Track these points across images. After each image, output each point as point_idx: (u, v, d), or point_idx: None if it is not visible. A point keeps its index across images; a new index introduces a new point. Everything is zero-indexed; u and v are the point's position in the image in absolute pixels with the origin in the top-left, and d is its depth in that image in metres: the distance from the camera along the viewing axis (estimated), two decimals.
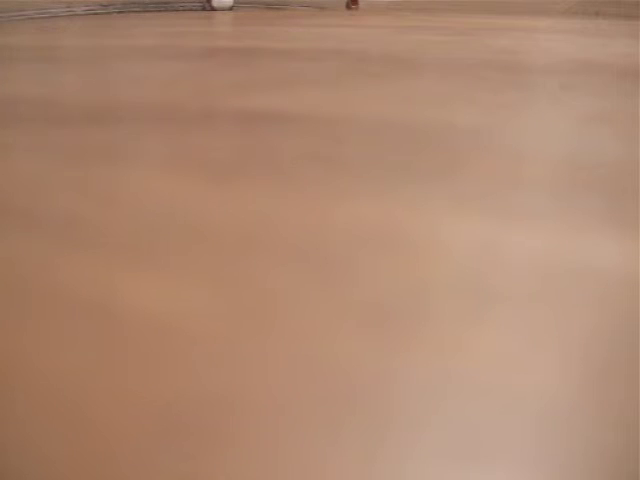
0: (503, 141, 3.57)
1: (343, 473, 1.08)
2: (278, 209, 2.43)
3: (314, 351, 1.44)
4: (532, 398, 1.29)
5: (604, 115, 4.24)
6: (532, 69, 6.69)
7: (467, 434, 1.17)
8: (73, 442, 1.14)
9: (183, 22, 17.75)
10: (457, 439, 1.16)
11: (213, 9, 27.77)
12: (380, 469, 1.09)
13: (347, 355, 1.42)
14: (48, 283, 1.79)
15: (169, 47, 9.38)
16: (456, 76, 6.16)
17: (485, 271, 1.88)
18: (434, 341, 1.49)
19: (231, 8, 26.08)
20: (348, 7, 17.28)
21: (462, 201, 2.54)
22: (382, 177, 2.85)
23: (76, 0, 26.28)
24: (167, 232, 2.20)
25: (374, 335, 1.51)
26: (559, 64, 7.14)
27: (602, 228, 2.22)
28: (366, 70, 6.63)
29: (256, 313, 1.62)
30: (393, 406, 1.26)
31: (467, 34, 12.36)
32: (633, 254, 2.00)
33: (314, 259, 1.97)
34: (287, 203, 2.48)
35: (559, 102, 4.71)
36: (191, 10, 28.79)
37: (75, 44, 10.25)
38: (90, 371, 1.36)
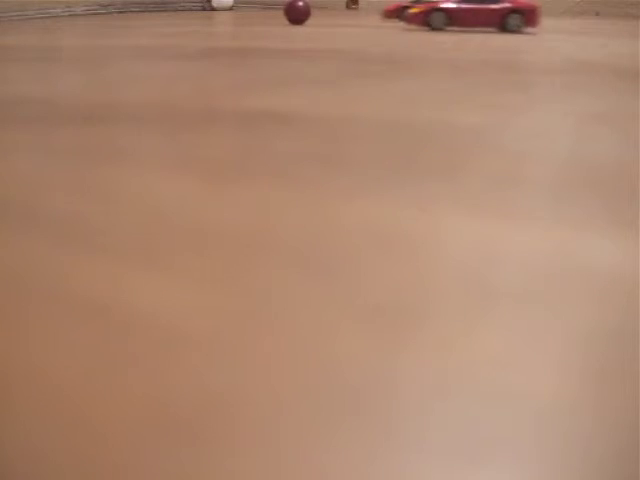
0: (503, 141, 3.57)
1: (343, 472, 1.08)
2: (279, 210, 2.43)
3: (315, 351, 1.44)
4: (532, 398, 1.29)
5: (604, 115, 4.24)
6: (532, 69, 6.68)
7: (467, 433, 1.17)
8: (73, 441, 1.14)
9: (183, 22, 17.63)
10: (457, 438, 1.16)
11: (213, 9, 27.60)
12: (380, 468, 1.09)
13: (348, 355, 1.42)
14: (49, 283, 1.79)
15: (169, 47, 9.36)
16: (456, 76, 6.15)
17: (486, 271, 1.88)
18: (435, 341, 1.49)
19: (231, 8, 25.90)
20: (348, 7, 17.26)
21: (463, 201, 2.54)
22: (382, 177, 2.85)
23: (76, 0, 26.09)
24: (169, 233, 2.20)
25: (375, 335, 1.51)
26: (559, 64, 7.13)
27: (602, 228, 2.22)
28: (366, 70, 6.63)
29: (258, 313, 1.62)
30: (393, 406, 1.26)
31: (467, 34, 12.33)
32: (632, 253, 2.00)
33: (315, 259, 1.97)
34: (288, 204, 2.49)
35: (559, 102, 4.71)
36: (191, 10, 28.51)
37: (75, 44, 10.21)
38: (91, 371, 1.36)
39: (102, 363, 1.38)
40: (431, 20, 14.66)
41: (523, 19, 14.07)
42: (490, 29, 14.62)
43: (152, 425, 1.18)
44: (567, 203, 2.46)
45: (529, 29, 14.53)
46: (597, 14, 24.68)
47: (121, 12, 25.69)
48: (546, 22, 17.97)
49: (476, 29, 15.02)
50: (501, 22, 14.32)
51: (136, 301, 1.67)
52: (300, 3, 16.74)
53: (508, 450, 1.12)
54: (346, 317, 1.58)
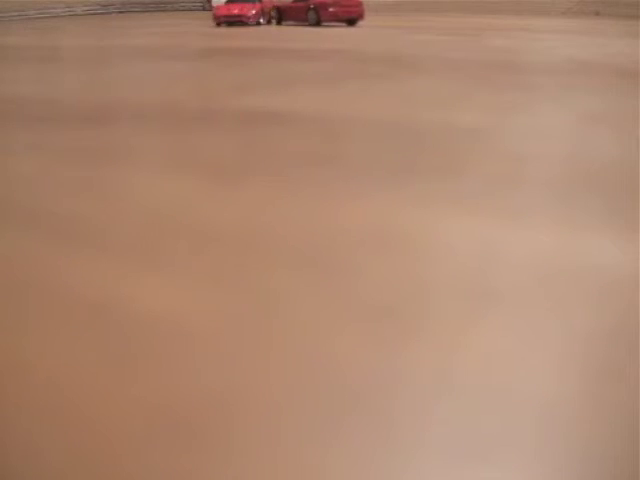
0: (503, 141, 3.57)
1: (343, 472, 1.08)
2: (280, 210, 2.43)
3: (314, 351, 1.44)
4: (532, 398, 1.29)
5: (604, 115, 4.24)
6: (532, 69, 6.69)
7: (467, 433, 1.17)
8: (73, 441, 1.14)
9: (183, 22, 17.62)
10: (457, 438, 1.16)
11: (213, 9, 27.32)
12: (380, 467, 1.09)
13: (347, 355, 1.42)
14: (49, 283, 1.79)
15: (169, 47, 9.36)
16: (456, 76, 6.16)
17: (485, 271, 1.88)
18: (435, 341, 1.49)
19: None
20: None
21: (463, 201, 2.54)
22: (383, 177, 2.85)
23: (76, 0, 26.04)
24: (169, 232, 2.20)
25: (375, 336, 1.51)
26: (559, 64, 7.13)
27: (601, 227, 2.22)
28: (366, 70, 6.63)
29: (258, 314, 1.62)
30: (393, 406, 1.26)
31: (467, 34, 12.35)
32: (632, 253, 2.00)
33: (315, 260, 1.97)
34: (289, 204, 2.49)
35: (559, 102, 4.71)
36: (191, 10, 28.36)
37: (75, 44, 10.21)
38: (91, 371, 1.36)
39: (102, 363, 1.38)
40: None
41: (316, 14, 15.77)
42: (305, 23, 15.89)
43: (152, 425, 1.18)
44: (567, 203, 2.46)
45: (360, 22, 15.60)
46: (597, 14, 24.68)
47: (121, 12, 25.70)
48: (547, 22, 17.98)
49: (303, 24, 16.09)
50: (305, 17, 16.01)
51: (136, 301, 1.67)
52: None
53: (508, 450, 1.12)
54: (346, 317, 1.58)
